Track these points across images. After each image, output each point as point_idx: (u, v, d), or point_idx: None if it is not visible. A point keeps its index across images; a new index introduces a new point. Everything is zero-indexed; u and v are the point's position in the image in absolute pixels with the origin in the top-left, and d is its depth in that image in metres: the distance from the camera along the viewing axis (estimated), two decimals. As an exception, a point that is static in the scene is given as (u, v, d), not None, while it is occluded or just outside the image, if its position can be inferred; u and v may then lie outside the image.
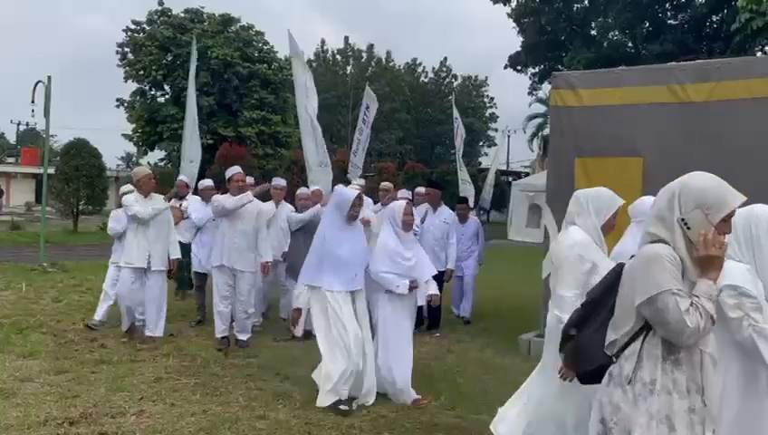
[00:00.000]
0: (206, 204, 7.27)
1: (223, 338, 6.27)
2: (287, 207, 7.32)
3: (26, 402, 4.42)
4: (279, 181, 7.71)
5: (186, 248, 7.45)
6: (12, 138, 57.88)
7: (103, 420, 4.17)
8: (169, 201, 7.29)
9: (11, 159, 45.51)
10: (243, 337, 6.35)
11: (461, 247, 7.59)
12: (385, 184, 8.25)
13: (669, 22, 24.92)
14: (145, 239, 6.35)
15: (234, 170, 6.53)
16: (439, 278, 7.17)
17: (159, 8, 32.99)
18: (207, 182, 7.89)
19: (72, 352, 5.76)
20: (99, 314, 6.84)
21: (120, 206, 7.17)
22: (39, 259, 11.75)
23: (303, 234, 6.44)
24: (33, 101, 14.51)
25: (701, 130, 5.58)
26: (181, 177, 8.58)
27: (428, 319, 7.33)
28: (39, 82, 14.01)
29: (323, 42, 47.70)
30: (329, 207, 5.00)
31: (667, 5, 24.83)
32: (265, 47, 33.69)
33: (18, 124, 51.85)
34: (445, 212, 7.51)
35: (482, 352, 6.42)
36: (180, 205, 7.77)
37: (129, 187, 7.40)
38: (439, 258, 7.12)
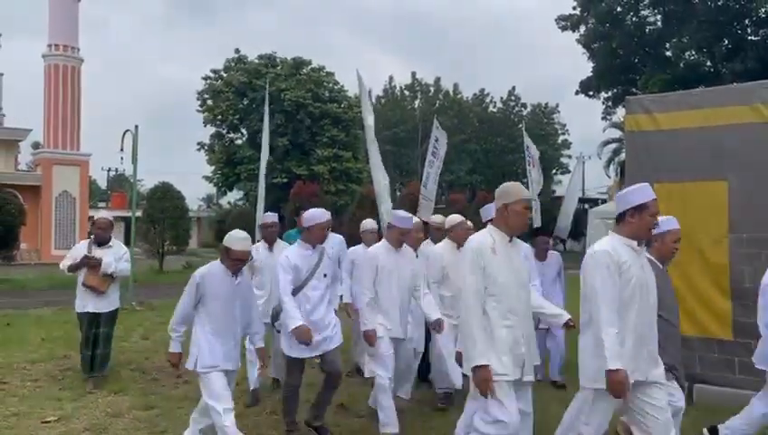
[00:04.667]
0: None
1: None
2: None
3: (118, 437, 4.62)
4: (269, 216, 6.10)
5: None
6: (103, 184, 61.64)
7: (189, 455, 4.28)
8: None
9: (102, 204, 48.40)
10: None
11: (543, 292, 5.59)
12: (437, 217, 6.46)
13: (750, 38, 23.86)
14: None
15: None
16: None
17: (236, 56, 34.79)
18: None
19: (159, 388, 5.98)
20: None
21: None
22: (128, 299, 12.33)
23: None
24: (121, 149, 15.46)
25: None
26: (102, 214, 6.41)
27: None
28: (127, 130, 14.98)
29: (391, 78, 48.80)
30: None
31: (747, 21, 23.83)
32: (335, 87, 34.73)
33: (108, 170, 55.51)
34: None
35: (565, 406, 6.10)
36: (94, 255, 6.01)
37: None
38: None
